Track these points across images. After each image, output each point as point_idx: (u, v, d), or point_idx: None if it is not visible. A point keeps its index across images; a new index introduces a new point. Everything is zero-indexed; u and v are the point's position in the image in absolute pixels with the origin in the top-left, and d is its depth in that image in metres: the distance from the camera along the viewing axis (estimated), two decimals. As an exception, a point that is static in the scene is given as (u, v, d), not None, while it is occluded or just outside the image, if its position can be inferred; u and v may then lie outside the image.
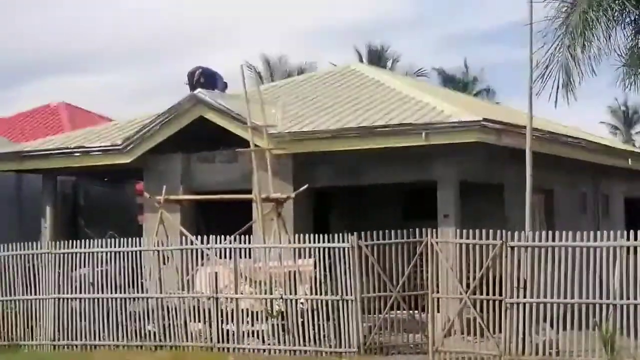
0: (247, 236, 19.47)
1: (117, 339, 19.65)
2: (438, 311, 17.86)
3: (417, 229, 18.01)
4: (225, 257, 19.25)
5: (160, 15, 77.50)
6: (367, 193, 24.28)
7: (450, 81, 52.61)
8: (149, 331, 19.53)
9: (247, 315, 18.81)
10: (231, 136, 22.15)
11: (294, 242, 19.03)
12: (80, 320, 19.98)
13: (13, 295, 20.72)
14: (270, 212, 20.88)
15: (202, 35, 76.05)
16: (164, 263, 19.90)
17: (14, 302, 20.69)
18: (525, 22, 18.22)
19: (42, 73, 79.86)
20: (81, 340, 19.94)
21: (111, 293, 19.81)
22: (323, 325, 18.30)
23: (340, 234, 18.41)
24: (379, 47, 52.44)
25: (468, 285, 17.49)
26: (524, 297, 17.05)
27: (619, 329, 16.45)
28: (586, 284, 16.65)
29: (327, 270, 18.38)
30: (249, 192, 21.35)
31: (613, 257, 16.57)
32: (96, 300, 19.91)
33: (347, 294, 18.16)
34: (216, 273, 19.14)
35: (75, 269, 20.20)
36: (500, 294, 17.16)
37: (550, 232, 17.31)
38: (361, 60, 47.91)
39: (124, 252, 19.90)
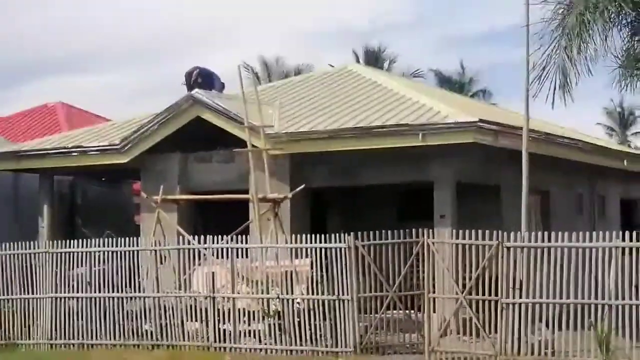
0: (244, 236, 19.50)
1: (114, 338, 19.67)
2: (434, 311, 17.90)
3: (413, 229, 18.05)
4: (222, 256, 19.26)
5: (160, 15, 77.64)
6: (363, 193, 24.30)
7: (446, 82, 52.63)
8: (146, 330, 19.55)
9: (244, 315, 18.83)
10: (228, 136, 22.17)
11: (291, 242, 19.07)
12: (78, 320, 20.00)
13: (10, 295, 20.72)
14: (267, 212, 20.91)
15: (202, 35, 76.18)
16: (161, 263, 19.95)
17: (12, 301, 20.70)
18: (523, 23, 18.29)
19: (42, 73, 79.95)
20: (78, 339, 19.96)
21: (108, 292, 19.83)
22: (319, 325, 18.32)
23: (337, 234, 18.44)
24: (376, 48, 52.55)
25: (464, 286, 17.53)
26: (520, 297, 17.10)
27: (614, 329, 16.51)
28: (582, 285, 16.70)
29: (324, 270, 18.40)
30: (246, 192, 21.37)
31: (609, 258, 16.62)
32: (93, 299, 19.94)
33: (343, 294, 18.19)
34: (213, 273, 19.16)
35: (73, 269, 20.22)
36: (496, 294, 17.21)
37: (546, 233, 17.36)
38: (358, 61, 47.93)
39: (121, 252, 19.93)
